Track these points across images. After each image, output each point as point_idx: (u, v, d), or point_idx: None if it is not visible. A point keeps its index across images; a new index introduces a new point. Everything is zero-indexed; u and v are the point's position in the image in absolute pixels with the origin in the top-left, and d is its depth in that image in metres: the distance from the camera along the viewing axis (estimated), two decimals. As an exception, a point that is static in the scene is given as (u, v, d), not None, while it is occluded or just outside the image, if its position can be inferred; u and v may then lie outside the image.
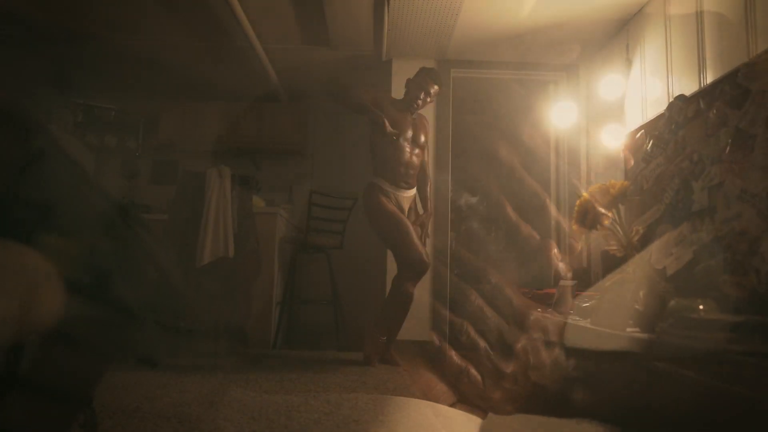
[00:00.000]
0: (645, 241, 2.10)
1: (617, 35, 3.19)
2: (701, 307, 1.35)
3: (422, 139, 2.94)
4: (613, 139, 3.06)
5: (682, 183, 1.88)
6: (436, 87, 2.93)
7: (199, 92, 4.79)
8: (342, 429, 1.62)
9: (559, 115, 3.38)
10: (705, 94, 1.79)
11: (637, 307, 1.54)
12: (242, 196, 3.11)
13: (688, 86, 2.36)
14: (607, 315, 1.62)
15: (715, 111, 1.69)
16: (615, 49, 3.23)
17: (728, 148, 1.62)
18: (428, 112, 3.71)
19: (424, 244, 2.80)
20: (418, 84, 2.92)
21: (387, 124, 2.71)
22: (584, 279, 2.75)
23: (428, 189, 3.02)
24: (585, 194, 1.68)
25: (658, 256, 2.00)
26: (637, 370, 1.63)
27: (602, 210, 1.58)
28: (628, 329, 1.51)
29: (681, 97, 1.91)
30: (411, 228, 2.74)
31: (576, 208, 1.68)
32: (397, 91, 3.76)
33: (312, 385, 2.26)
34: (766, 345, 1.06)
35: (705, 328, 1.11)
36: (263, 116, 4.72)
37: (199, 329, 2.96)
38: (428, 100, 2.95)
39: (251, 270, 3.05)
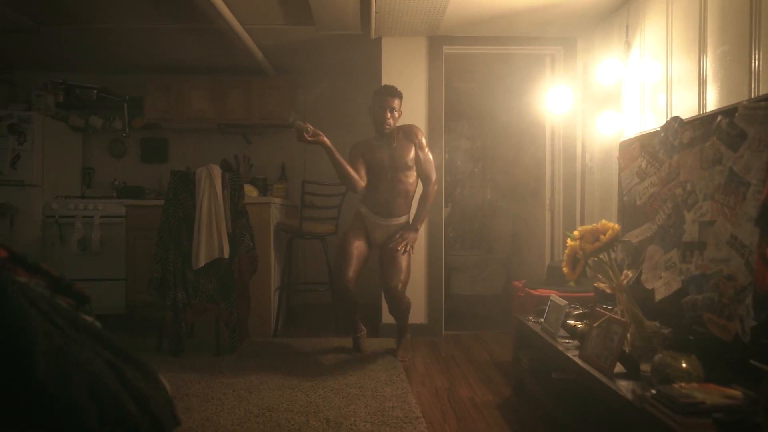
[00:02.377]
0: (636, 257, 2.12)
1: (617, 12, 3.05)
2: (684, 365, 1.39)
3: (406, 161, 2.92)
4: (609, 128, 3.01)
5: (674, 209, 1.87)
6: (395, 99, 2.92)
7: (184, 68, 4.62)
8: (341, 463, 1.70)
9: (554, 97, 3.28)
10: (702, 122, 1.74)
11: (625, 348, 1.58)
12: (234, 194, 3.08)
13: (687, 67, 2.29)
14: (595, 352, 1.66)
15: (710, 145, 1.65)
16: (614, 29, 3.10)
17: (721, 189, 1.60)
18: (420, 91, 3.61)
19: (400, 267, 2.81)
20: (376, 107, 2.93)
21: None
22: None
23: (425, 206, 2.99)
24: (576, 234, 1.68)
25: (647, 276, 2.03)
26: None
27: (590, 254, 1.58)
28: (616, 369, 1.56)
29: (677, 120, 1.86)
30: (349, 254, 2.87)
31: (566, 254, 1.68)
32: (388, 71, 3.64)
33: (313, 395, 2.35)
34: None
35: (685, 410, 1.15)
36: (251, 90, 4.58)
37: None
38: (396, 115, 2.93)
39: (248, 269, 3.07)
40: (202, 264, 2.96)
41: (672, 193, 1.88)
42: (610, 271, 1.62)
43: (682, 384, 1.31)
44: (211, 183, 3.03)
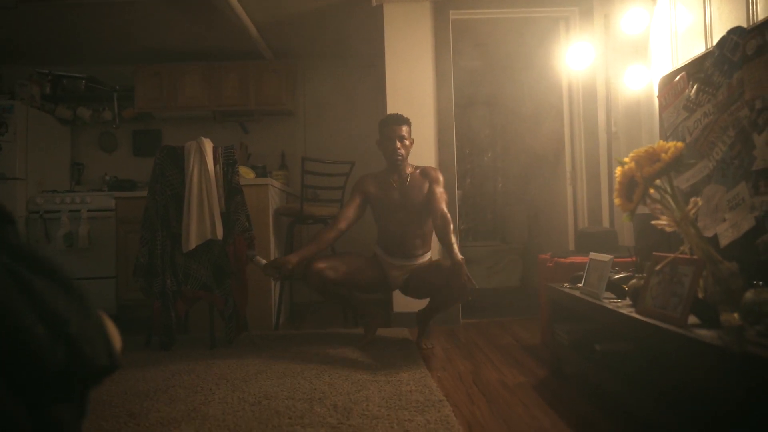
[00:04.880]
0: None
1: (639, -41, 2.78)
2: (789, 301, 1.08)
3: (421, 200, 2.63)
4: (637, 82, 2.72)
5: (738, 135, 1.58)
6: (403, 127, 2.64)
7: (175, 54, 4.39)
8: (352, 450, 1.39)
9: (573, 56, 3.00)
10: (771, 24, 1.45)
11: (698, 294, 1.28)
12: (227, 170, 2.80)
13: (730, 15, 2.01)
14: (658, 303, 1.36)
15: (788, 46, 1.36)
16: (637, -24, 2.82)
17: (808, 93, 1.30)
18: (427, 63, 3.34)
19: (467, 294, 2.42)
20: (385, 138, 2.65)
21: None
22: (611, 243, 2.48)
23: (450, 236, 2.45)
24: (627, 160, 1.38)
25: (705, 223, 1.73)
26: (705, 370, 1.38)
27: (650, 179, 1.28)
28: (690, 321, 1.25)
29: (737, 30, 1.57)
30: (344, 258, 2.67)
31: (618, 179, 1.39)
32: (391, 42, 3.37)
33: (317, 381, 2.04)
34: None
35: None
36: (247, 76, 4.34)
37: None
38: (407, 143, 2.65)
39: (244, 251, 2.78)
40: (192, 246, 2.68)
41: (735, 117, 1.59)
42: (671, 201, 1.32)
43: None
44: (202, 158, 2.75)
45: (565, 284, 2.09)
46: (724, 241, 1.60)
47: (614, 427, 1.56)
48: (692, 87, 1.81)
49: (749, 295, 1.12)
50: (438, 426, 1.55)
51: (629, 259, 2.24)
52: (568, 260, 2.33)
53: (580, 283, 1.94)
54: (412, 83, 3.36)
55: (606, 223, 3.20)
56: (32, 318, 0.59)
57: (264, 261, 2.61)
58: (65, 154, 4.48)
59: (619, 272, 1.94)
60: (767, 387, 0.94)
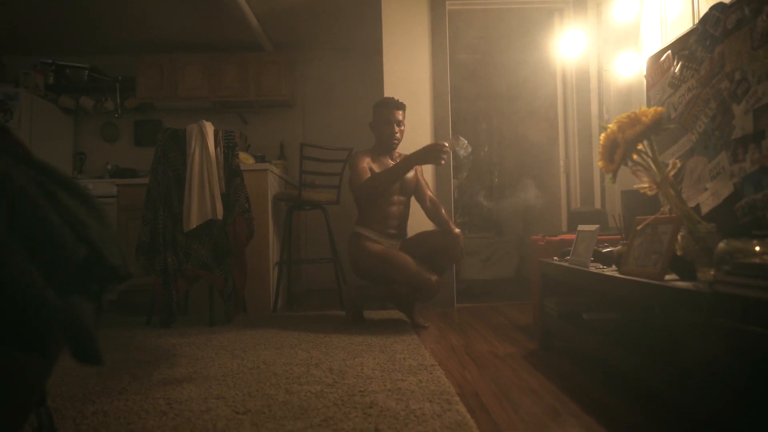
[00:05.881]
0: (675, 178, 1.88)
1: (631, -50, 2.85)
2: (757, 248, 1.15)
3: (412, 186, 2.76)
4: (629, 68, 2.79)
5: (719, 107, 1.65)
6: (400, 111, 2.72)
7: (177, 45, 4.46)
8: (346, 402, 1.45)
9: (567, 45, 3.08)
10: (749, -1, 1.53)
11: (677, 252, 1.34)
12: (228, 153, 2.87)
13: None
14: (640, 262, 1.42)
15: (764, 17, 1.43)
16: (628, -34, 2.90)
17: (781, 61, 1.37)
18: (424, 53, 3.42)
19: (461, 256, 2.56)
20: (381, 122, 2.72)
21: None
22: (601, 223, 2.54)
23: (443, 214, 2.71)
24: (611, 125, 1.45)
25: (689, 194, 1.79)
26: (683, 325, 1.45)
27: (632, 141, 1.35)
28: (667, 277, 1.32)
29: (718, 6, 1.64)
30: (405, 257, 2.55)
31: (602, 142, 1.46)
32: (389, 30, 3.44)
33: (313, 351, 2.11)
34: None
35: (774, 274, 0.92)
36: (247, 67, 4.41)
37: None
38: (402, 128, 2.75)
39: (244, 232, 2.84)
40: (194, 225, 2.74)
41: (716, 90, 1.66)
42: (652, 164, 1.39)
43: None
44: (203, 140, 2.82)
45: (555, 258, 2.15)
46: (705, 209, 1.67)
47: (598, 385, 1.62)
48: (677, 64, 1.88)
49: (722, 245, 1.19)
50: (429, 384, 1.62)
51: (618, 237, 2.32)
52: (558, 238, 2.40)
53: (569, 256, 2.01)
54: (410, 73, 3.43)
55: (598, 207, 3.26)
56: (58, 220, 0.66)
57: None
58: (68, 144, 4.54)
59: (608, 247, 2.01)
60: (735, 321, 1.01)
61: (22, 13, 3.74)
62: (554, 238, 2.41)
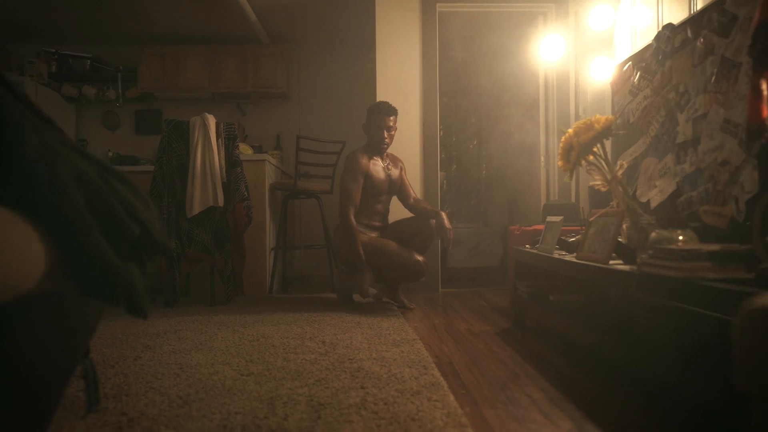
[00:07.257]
0: (630, 175, 2.12)
1: (608, -39, 3.06)
2: (680, 237, 1.38)
3: (398, 183, 3.02)
4: (602, 73, 3.01)
5: (667, 115, 1.87)
6: (391, 117, 2.92)
7: (178, 37, 4.62)
8: (337, 367, 1.68)
9: (547, 48, 3.29)
10: (693, 21, 1.75)
11: (620, 239, 1.57)
12: (228, 144, 3.07)
13: (678, 14, 2.30)
14: (591, 248, 1.66)
15: (702, 40, 1.65)
16: (605, -24, 3.11)
17: (714, 78, 1.60)
18: (414, 52, 3.61)
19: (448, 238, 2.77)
20: (373, 127, 2.92)
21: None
22: (573, 215, 2.78)
23: (426, 204, 3.03)
24: (569, 130, 1.67)
25: (642, 190, 2.03)
26: (619, 300, 1.69)
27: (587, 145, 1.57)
28: (611, 262, 1.55)
29: (668, 26, 1.86)
30: (391, 243, 2.81)
31: (560, 145, 1.68)
32: (382, 29, 3.64)
33: (307, 327, 2.33)
34: (739, 271, 1.10)
35: (683, 257, 1.14)
36: (246, 60, 4.58)
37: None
38: (392, 133, 2.96)
39: (243, 219, 3.05)
40: (196, 212, 2.94)
41: (665, 99, 1.88)
42: (604, 164, 1.61)
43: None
44: (206, 132, 3.01)
45: (527, 246, 2.38)
46: (654, 204, 1.90)
47: (561, 358, 1.86)
48: (636, 74, 2.10)
49: (653, 234, 1.42)
50: (410, 355, 1.85)
51: (582, 228, 2.55)
52: (531, 228, 2.63)
53: (539, 244, 2.24)
54: (401, 71, 3.63)
55: (573, 200, 3.50)
56: (119, 205, 0.87)
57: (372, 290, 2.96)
58: (70, 131, 4.70)
59: (575, 236, 2.25)
60: (655, 296, 1.24)
61: (29, 1, 3.89)
62: (528, 228, 2.64)
